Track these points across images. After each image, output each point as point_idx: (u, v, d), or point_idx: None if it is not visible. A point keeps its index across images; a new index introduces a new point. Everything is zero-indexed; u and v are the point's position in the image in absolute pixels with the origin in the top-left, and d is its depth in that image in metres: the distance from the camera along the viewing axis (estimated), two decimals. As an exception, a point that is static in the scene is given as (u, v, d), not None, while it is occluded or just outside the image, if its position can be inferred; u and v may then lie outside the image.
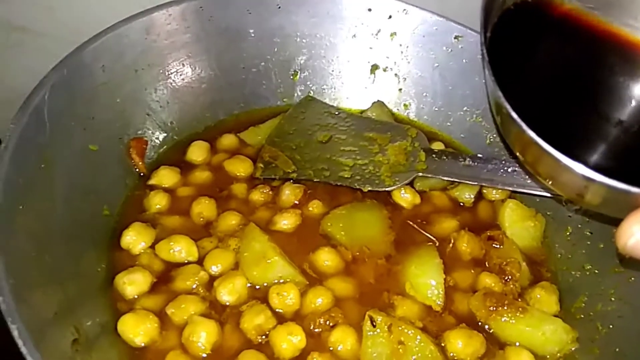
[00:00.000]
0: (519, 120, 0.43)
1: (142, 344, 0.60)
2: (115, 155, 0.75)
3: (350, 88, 0.92)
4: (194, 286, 0.65)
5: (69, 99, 0.68)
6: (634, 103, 0.50)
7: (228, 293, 0.64)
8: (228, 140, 0.83)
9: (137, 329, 0.60)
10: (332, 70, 0.92)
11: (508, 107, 0.43)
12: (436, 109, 0.90)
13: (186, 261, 0.68)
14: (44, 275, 0.57)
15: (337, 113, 0.88)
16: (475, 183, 0.78)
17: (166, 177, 0.76)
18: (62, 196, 0.64)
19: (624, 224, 0.37)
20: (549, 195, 0.75)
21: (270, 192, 0.77)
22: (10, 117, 0.67)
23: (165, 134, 0.82)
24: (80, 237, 0.66)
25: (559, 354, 0.65)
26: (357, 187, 0.77)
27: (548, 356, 0.65)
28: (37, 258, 0.57)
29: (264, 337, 0.62)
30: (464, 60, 0.86)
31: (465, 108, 0.88)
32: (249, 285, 0.66)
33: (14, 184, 0.57)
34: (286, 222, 0.73)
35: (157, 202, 0.73)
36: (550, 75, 0.52)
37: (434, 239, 0.74)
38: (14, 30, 0.96)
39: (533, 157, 0.43)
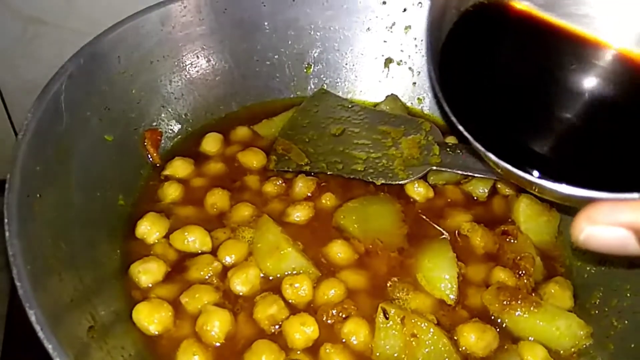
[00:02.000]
0: (469, 136, 0.43)
1: (156, 332, 0.61)
2: (130, 145, 0.76)
3: (364, 81, 0.92)
4: (208, 276, 0.66)
5: (86, 88, 0.69)
6: (586, 98, 0.50)
7: (241, 283, 0.65)
8: (241, 133, 0.84)
9: (151, 318, 0.61)
10: (346, 64, 0.91)
11: (456, 122, 0.44)
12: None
13: (200, 251, 0.68)
14: (60, 262, 0.57)
15: (350, 106, 0.88)
16: (489, 177, 0.77)
17: (180, 167, 0.77)
18: (78, 185, 0.65)
19: (575, 220, 0.38)
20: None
21: (284, 185, 0.77)
22: (27, 108, 0.68)
23: (179, 126, 0.83)
24: (95, 226, 0.66)
25: (573, 350, 0.65)
26: (371, 180, 0.77)
27: (562, 351, 0.64)
28: (54, 245, 0.58)
29: (277, 327, 0.62)
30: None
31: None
32: (262, 276, 0.66)
33: (31, 172, 0.58)
34: (299, 214, 0.73)
35: (171, 192, 0.74)
36: (504, 76, 0.52)
37: (447, 232, 0.74)
38: (31, 22, 0.97)
39: (488, 160, 0.44)
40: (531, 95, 0.51)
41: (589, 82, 0.49)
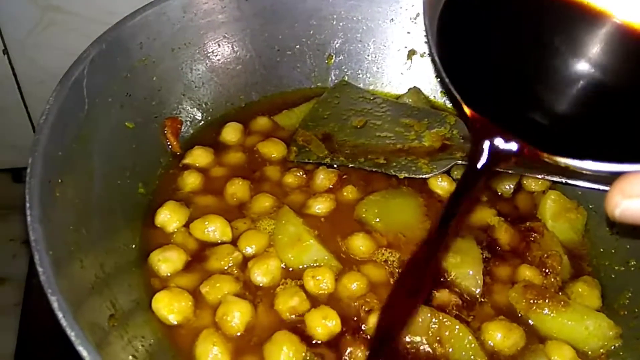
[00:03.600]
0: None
1: (176, 322, 0.60)
2: (150, 133, 0.75)
3: (386, 73, 0.90)
4: (228, 266, 0.65)
5: (107, 74, 0.68)
6: (589, 70, 0.47)
7: (262, 274, 0.64)
8: (262, 123, 0.83)
9: (171, 307, 0.60)
10: (368, 55, 0.90)
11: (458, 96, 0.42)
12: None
13: (220, 241, 0.67)
14: (81, 249, 0.56)
15: (372, 98, 0.86)
16: (516, 172, 0.76)
17: (200, 156, 0.76)
18: (99, 172, 0.64)
19: (609, 195, 0.37)
20: (592, 186, 0.73)
21: (304, 176, 0.76)
22: (44, 97, 0.67)
23: (199, 114, 0.81)
24: (115, 214, 0.65)
25: (601, 350, 0.63)
26: (393, 173, 0.76)
27: (590, 352, 0.63)
28: (75, 231, 0.57)
29: (297, 318, 0.61)
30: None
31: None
32: (282, 267, 0.65)
33: (53, 157, 0.57)
34: (320, 206, 0.72)
35: (191, 181, 0.73)
36: (502, 45, 0.49)
37: (472, 228, 0.72)
38: (49, 10, 0.96)
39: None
40: (531, 67, 0.48)
41: (592, 54, 0.47)
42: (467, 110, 0.43)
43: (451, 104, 0.89)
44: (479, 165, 0.43)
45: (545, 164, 0.41)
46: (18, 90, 1.07)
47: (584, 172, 0.39)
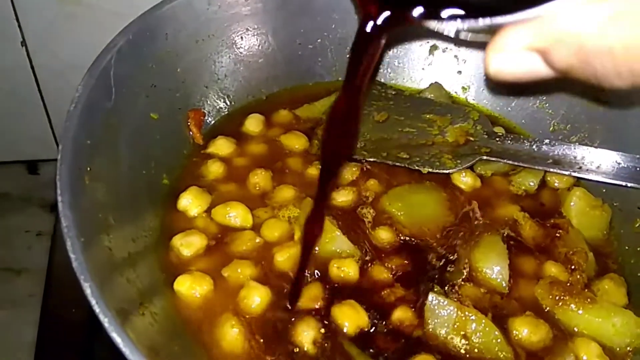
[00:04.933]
0: None
1: (196, 305, 0.60)
2: (174, 125, 0.75)
3: (408, 68, 0.90)
4: (249, 252, 0.65)
5: (134, 64, 0.68)
6: None
7: (284, 262, 0.64)
8: (283, 115, 0.83)
9: (192, 290, 0.61)
10: (389, 50, 0.89)
11: None
12: (497, 92, 0.87)
13: (240, 227, 0.68)
14: (109, 237, 0.56)
15: (394, 93, 0.86)
16: (541, 168, 0.75)
17: (223, 146, 0.76)
18: (125, 161, 0.64)
19: (485, 53, 0.37)
20: (618, 183, 0.72)
21: (327, 169, 0.75)
22: (61, 89, 0.67)
23: (221, 106, 0.81)
24: (140, 202, 0.66)
25: (628, 348, 0.62)
26: (417, 168, 0.75)
27: (618, 349, 0.62)
28: (104, 219, 0.57)
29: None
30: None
31: (528, 93, 0.85)
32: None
33: (82, 145, 0.57)
34: (343, 199, 0.72)
35: (215, 169, 0.73)
36: None
37: (496, 223, 0.72)
38: (68, 2, 0.96)
39: None
40: None
41: None
42: None
43: (473, 100, 0.89)
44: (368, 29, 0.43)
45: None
46: (35, 83, 1.08)
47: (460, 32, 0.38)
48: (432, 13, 0.39)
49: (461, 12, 0.37)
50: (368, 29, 0.43)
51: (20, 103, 1.10)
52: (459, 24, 0.37)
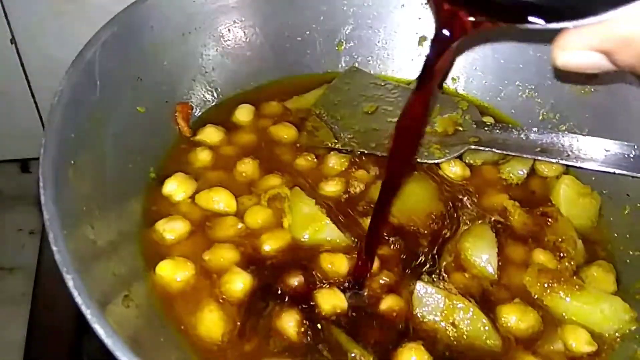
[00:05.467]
0: None
1: (178, 290, 0.61)
2: (161, 118, 0.75)
3: (397, 59, 0.90)
4: (232, 237, 0.65)
5: (119, 57, 0.67)
6: None
7: (271, 248, 0.65)
8: (273, 107, 0.82)
9: (174, 275, 0.61)
10: (379, 41, 0.89)
11: None
12: (486, 82, 0.87)
13: (224, 212, 0.68)
14: (93, 229, 0.56)
15: (383, 84, 0.86)
16: (529, 156, 0.75)
17: (212, 134, 0.76)
18: (111, 155, 0.64)
19: (551, 49, 0.40)
20: (607, 170, 0.72)
21: (316, 160, 0.75)
22: (52, 87, 0.66)
23: (209, 99, 0.81)
24: (127, 195, 0.66)
25: (617, 334, 0.62)
26: (405, 158, 0.75)
27: (606, 335, 0.62)
28: (88, 212, 0.57)
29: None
30: (517, 33, 0.82)
31: (517, 82, 0.84)
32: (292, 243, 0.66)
33: (66, 138, 0.57)
34: (332, 189, 0.72)
35: (202, 157, 0.73)
36: None
37: (485, 212, 0.72)
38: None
39: None
40: None
41: None
42: None
43: (463, 90, 0.88)
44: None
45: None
46: (25, 80, 1.07)
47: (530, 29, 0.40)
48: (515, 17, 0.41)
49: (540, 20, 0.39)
50: (450, 33, 0.45)
51: (11, 101, 1.09)
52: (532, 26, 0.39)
